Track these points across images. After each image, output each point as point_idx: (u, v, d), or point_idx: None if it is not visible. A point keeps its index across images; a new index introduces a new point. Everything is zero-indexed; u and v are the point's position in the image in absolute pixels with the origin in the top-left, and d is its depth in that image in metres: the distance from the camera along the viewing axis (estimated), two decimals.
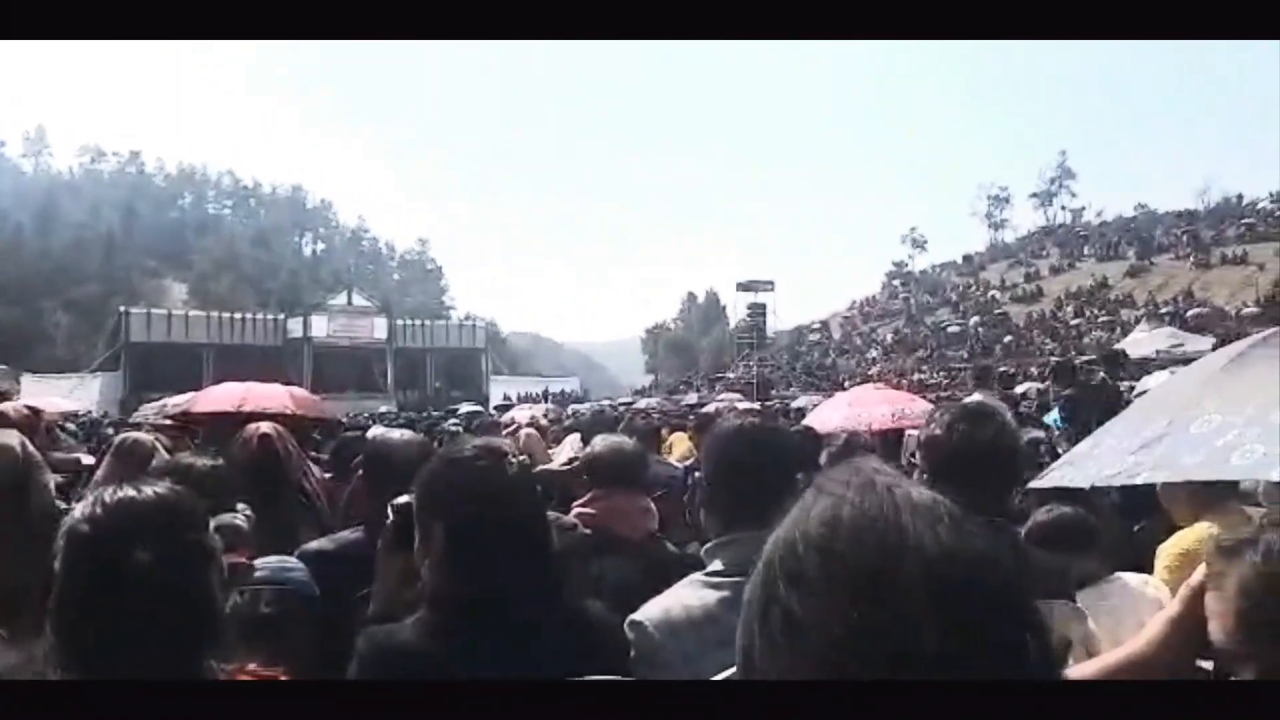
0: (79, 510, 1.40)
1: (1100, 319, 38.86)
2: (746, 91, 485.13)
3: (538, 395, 39.10)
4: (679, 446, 7.35)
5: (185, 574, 1.36)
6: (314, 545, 2.69)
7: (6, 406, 5.27)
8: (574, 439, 5.07)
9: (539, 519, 1.75)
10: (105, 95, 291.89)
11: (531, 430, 7.05)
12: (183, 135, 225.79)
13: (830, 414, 7.16)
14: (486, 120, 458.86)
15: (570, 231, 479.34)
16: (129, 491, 1.42)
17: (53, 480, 3.41)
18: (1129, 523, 3.32)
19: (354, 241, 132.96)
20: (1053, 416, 8.22)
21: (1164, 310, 35.26)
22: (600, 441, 2.87)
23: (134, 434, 4.04)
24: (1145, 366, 16.15)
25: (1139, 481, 1.57)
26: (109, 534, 1.35)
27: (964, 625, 0.61)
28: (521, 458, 1.84)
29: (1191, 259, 43.98)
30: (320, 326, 47.38)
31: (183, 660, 1.33)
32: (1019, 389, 18.24)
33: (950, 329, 45.41)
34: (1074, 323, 40.03)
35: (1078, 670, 1.60)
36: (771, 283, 48.64)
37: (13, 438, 3.38)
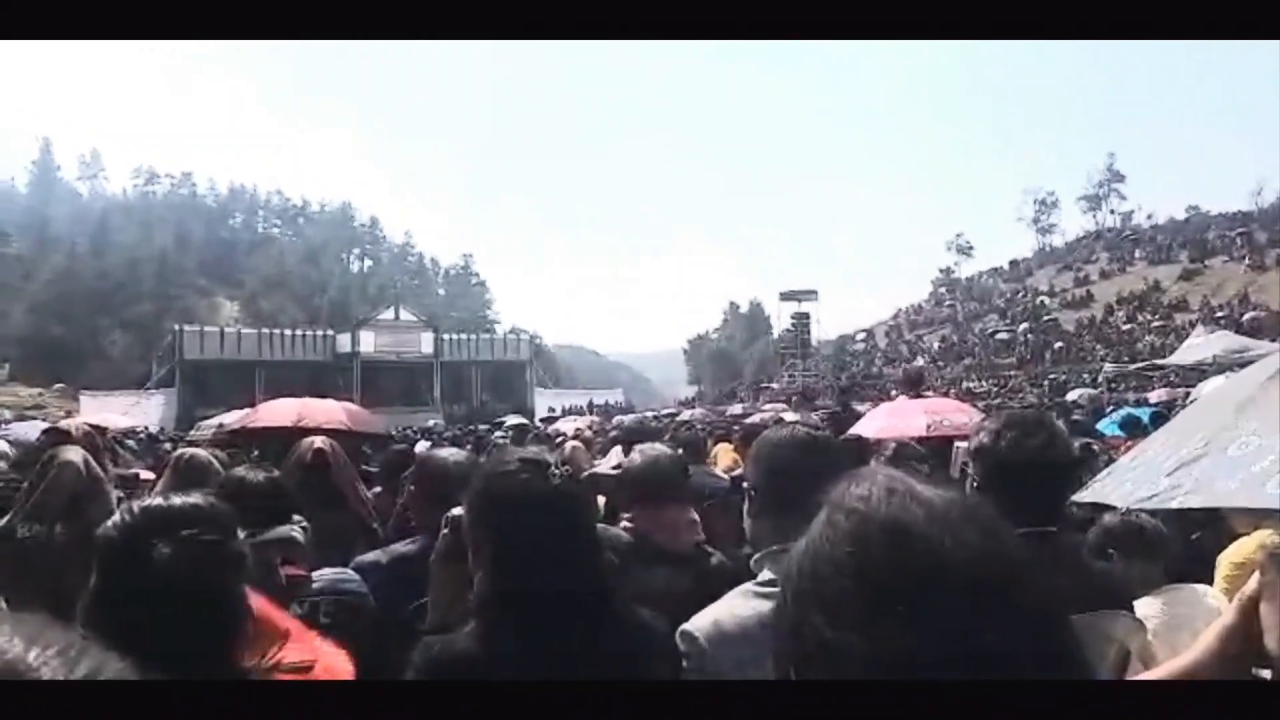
0: (113, 519, 1.46)
1: (1153, 324, 38.09)
2: (789, 98, 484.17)
3: (582, 407, 39.07)
4: (724, 458, 7.31)
5: (203, 572, 1.40)
6: (369, 557, 2.73)
7: (69, 424, 5.42)
8: (620, 450, 5.06)
9: (585, 528, 1.76)
10: (157, 119, 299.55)
11: (576, 443, 7.07)
12: (233, 155, 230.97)
13: (871, 424, 7.12)
14: (532, 134, 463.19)
15: (612, 243, 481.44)
16: (159, 500, 1.48)
17: (114, 495, 3.51)
18: (1187, 530, 3.26)
19: (400, 258, 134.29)
20: (1107, 424, 8.09)
21: (1219, 314, 34.44)
22: (636, 454, 2.80)
23: (190, 449, 4.13)
24: (1203, 372, 15.84)
25: (1174, 507, 1.51)
26: (131, 534, 1.41)
27: (1001, 632, 0.62)
28: (565, 468, 1.85)
29: (1246, 261, 42.98)
30: (368, 342, 47.92)
31: (205, 658, 1.35)
32: (1070, 395, 18.01)
33: (999, 336, 44.76)
34: (1126, 328, 39.26)
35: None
36: (815, 292, 48.39)
37: (76, 454, 3.49)
